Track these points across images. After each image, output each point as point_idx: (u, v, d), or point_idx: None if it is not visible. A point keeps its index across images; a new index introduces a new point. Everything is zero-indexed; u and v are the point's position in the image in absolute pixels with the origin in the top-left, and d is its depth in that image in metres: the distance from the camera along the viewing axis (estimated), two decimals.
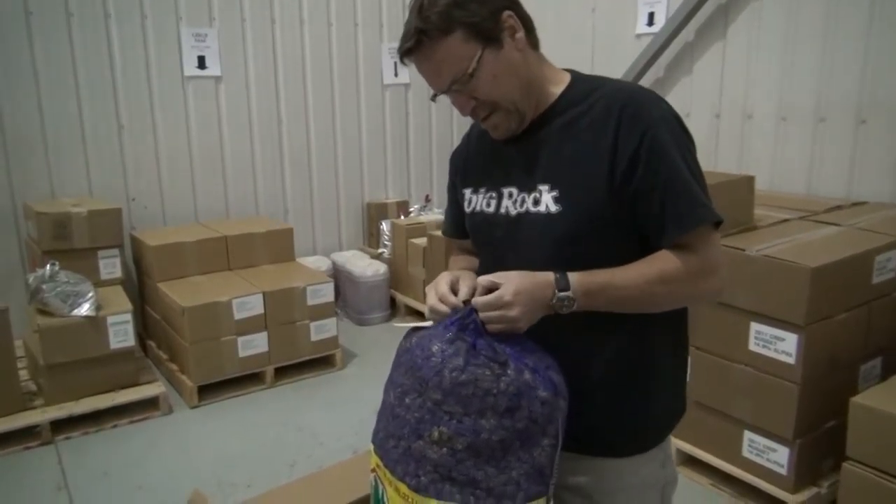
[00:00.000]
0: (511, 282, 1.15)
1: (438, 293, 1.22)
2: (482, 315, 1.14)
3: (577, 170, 1.20)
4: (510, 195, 1.29)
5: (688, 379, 2.75)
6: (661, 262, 1.17)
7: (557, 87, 1.27)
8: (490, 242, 1.34)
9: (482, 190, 1.36)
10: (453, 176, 1.48)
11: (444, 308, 1.19)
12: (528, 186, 1.26)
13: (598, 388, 1.26)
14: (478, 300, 1.15)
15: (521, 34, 1.21)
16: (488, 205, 1.33)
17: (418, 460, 1.11)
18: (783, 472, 2.49)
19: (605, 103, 1.20)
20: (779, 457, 2.50)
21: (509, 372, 1.09)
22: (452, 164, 1.49)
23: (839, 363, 2.52)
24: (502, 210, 1.30)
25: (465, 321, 1.15)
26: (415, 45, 1.17)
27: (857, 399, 2.22)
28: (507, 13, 1.19)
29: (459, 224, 1.46)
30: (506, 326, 1.14)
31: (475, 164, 1.40)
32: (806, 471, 2.50)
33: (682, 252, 1.17)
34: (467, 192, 1.40)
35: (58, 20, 3.95)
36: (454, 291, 1.21)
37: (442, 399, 1.10)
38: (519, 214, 1.26)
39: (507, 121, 1.25)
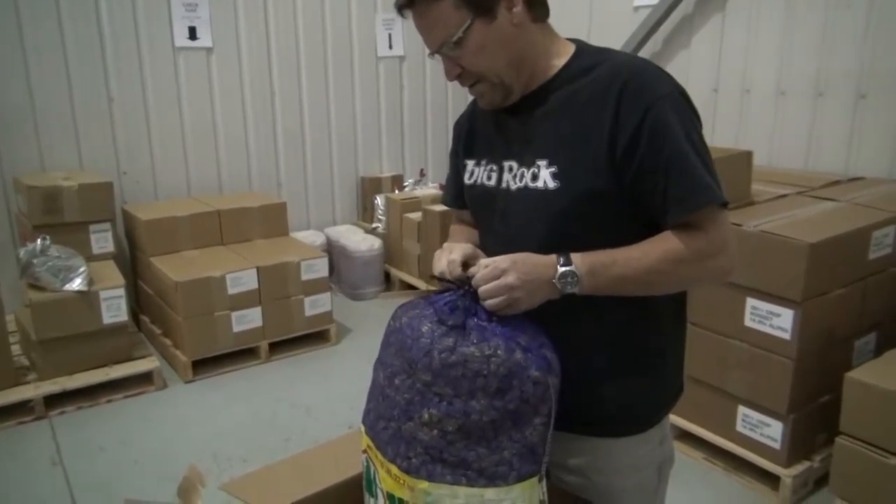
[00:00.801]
0: (511, 255, 1.13)
1: (449, 260, 1.19)
2: (481, 289, 1.12)
3: (576, 146, 1.17)
4: (510, 169, 1.26)
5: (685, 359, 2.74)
6: (666, 243, 1.14)
7: (560, 60, 1.23)
8: (490, 216, 1.31)
9: (483, 162, 1.33)
10: (456, 143, 1.45)
11: (449, 276, 1.17)
12: (527, 161, 1.23)
13: (598, 369, 1.24)
14: (476, 274, 1.13)
15: (518, 8, 1.16)
16: (489, 178, 1.31)
17: (409, 442, 1.10)
18: (776, 446, 2.51)
19: (608, 77, 1.16)
20: (772, 431, 2.51)
21: (499, 352, 1.07)
22: (456, 131, 1.46)
23: (834, 339, 2.53)
24: (503, 184, 1.27)
25: (457, 302, 1.13)
26: (408, 3, 1.15)
27: (851, 374, 2.22)
28: None
29: (460, 195, 1.43)
30: (506, 298, 1.10)
31: (478, 134, 1.37)
32: (799, 445, 2.52)
33: (687, 232, 1.14)
34: (469, 164, 1.37)
35: None
36: (465, 266, 1.19)
37: (432, 381, 1.08)
38: (518, 189, 1.24)
39: (491, 92, 1.22)
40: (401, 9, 1.18)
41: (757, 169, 3.00)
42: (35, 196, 3.55)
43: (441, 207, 4.20)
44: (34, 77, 3.92)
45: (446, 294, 1.18)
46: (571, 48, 1.24)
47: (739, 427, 2.62)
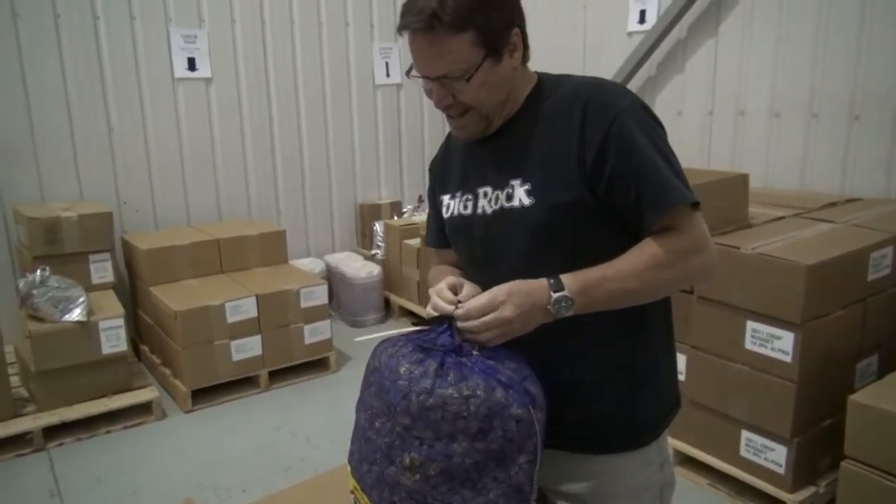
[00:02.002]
0: (504, 286, 1.14)
1: (437, 290, 1.21)
2: (478, 322, 1.12)
3: (547, 162, 1.21)
4: (485, 194, 1.29)
5: (682, 377, 2.73)
6: (649, 248, 1.16)
7: (526, 88, 1.28)
8: (469, 244, 1.34)
9: (458, 194, 1.36)
10: (433, 184, 1.49)
11: (446, 306, 1.17)
12: (500, 184, 1.26)
13: (590, 382, 1.25)
14: (471, 303, 1.14)
15: (518, 53, 1.22)
16: (465, 207, 1.33)
17: (392, 487, 1.09)
18: (781, 471, 2.48)
19: (571, 96, 1.22)
20: (776, 456, 2.49)
21: (479, 392, 1.06)
22: (432, 172, 1.50)
23: (836, 361, 2.52)
24: (479, 210, 1.30)
25: (436, 339, 1.13)
26: (424, 28, 1.14)
27: (854, 397, 2.21)
28: (515, 30, 1.20)
29: (443, 233, 1.45)
30: (502, 330, 1.12)
31: (452, 169, 1.40)
32: (804, 469, 2.49)
33: (667, 234, 1.17)
34: (445, 198, 1.40)
35: (45, 22, 3.91)
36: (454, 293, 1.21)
37: (411, 424, 1.07)
38: (494, 212, 1.27)
39: (474, 124, 1.26)
40: (410, 29, 1.16)
41: (753, 191, 3.01)
42: (35, 227, 3.56)
43: None
44: (35, 108, 3.95)
45: (426, 330, 1.17)
46: (535, 77, 1.30)
47: (743, 452, 2.60)
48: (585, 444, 1.27)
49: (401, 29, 1.18)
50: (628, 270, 1.15)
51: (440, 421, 1.05)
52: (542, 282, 1.15)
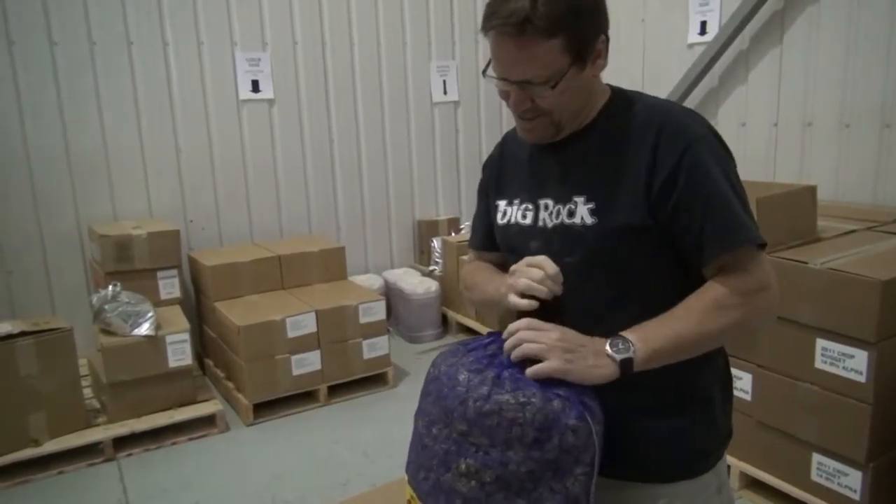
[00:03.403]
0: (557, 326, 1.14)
1: (552, 273, 1.16)
2: (519, 335, 1.11)
3: (613, 183, 1.18)
4: (546, 207, 1.26)
5: (748, 397, 2.63)
6: (712, 290, 1.13)
7: (600, 102, 1.25)
8: (525, 255, 1.28)
9: (516, 201, 1.33)
10: (485, 185, 1.46)
11: (538, 286, 1.14)
12: (563, 198, 1.23)
13: (644, 408, 1.22)
14: (522, 322, 1.13)
15: (602, 61, 1.19)
16: (524, 217, 1.30)
17: (448, 494, 1.08)
18: (856, 496, 2.36)
19: (643, 118, 1.19)
20: (851, 481, 2.37)
21: (534, 400, 1.05)
22: (486, 173, 1.47)
23: None
24: (539, 222, 1.27)
25: (490, 348, 1.13)
26: (515, 30, 1.09)
27: None
28: (602, 37, 1.17)
29: (490, 236, 1.42)
30: (536, 348, 1.09)
31: (510, 174, 1.38)
32: (881, 496, 2.37)
33: (729, 275, 1.13)
34: (501, 204, 1.37)
35: (118, 48, 4.11)
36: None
37: (467, 430, 1.07)
38: (555, 226, 1.24)
39: (546, 129, 1.23)
40: (500, 30, 1.11)
41: (822, 204, 2.90)
42: (107, 245, 3.71)
43: None
44: (108, 130, 4.15)
45: (485, 339, 1.17)
46: (608, 90, 1.27)
47: (814, 476, 2.48)
48: (639, 472, 1.24)
49: (488, 30, 1.13)
50: (689, 314, 1.12)
51: (496, 427, 1.05)
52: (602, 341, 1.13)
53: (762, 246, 1.15)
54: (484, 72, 1.21)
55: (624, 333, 1.11)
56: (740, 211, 1.13)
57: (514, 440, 1.05)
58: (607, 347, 1.10)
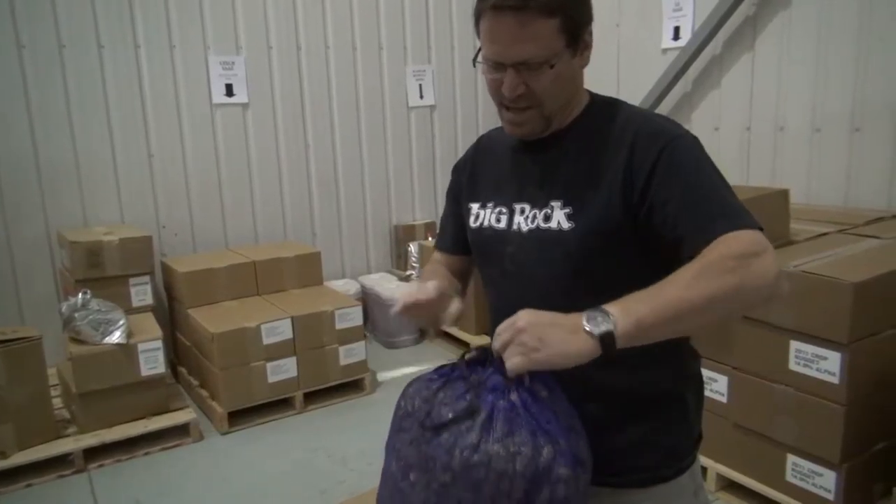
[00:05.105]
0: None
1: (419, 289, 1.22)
2: (498, 343, 1.02)
3: (590, 187, 1.17)
4: (522, 211, 1.25)
5: (723, 399, 2.65)
6: (704, 256, 1.02)
7: (582, 102, 1.26)
8: (500, 259, 1.28)
9: (490, 205, 1.32)
10: (456, 188, 1.44)
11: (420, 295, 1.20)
12: (540, 203, 1.23)
13: (618, 418, 1.22)
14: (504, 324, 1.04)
15: (588, 53, 1.21)
16: (498, 220, 1.29)
17: None
18: (830, 497, 2.38)
19: (622, 123, 1.19)
20: (825, 481, 2.39)
21: (524, 449, 0.98)
22: (455, 175, 1.45)
23: (887, 382, 2.42)
24: (514, 226, 1.26)
25: (479, 377, 1.04)
26: (517, 6, 1.09)
27: None
28: (590, 28, 1.19)
29: (459, 239, 1.41)
30: (522, 352, 0.99)
31: (485, 177, 1.36)
32: (855, 496, 2.39)
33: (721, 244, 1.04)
34: (474, 207, 1.35)
35: (89, 52, 4.04)
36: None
37: (451, 482, 0.99)
38: (530, 230, 1.23)
39: (536, 123, 1.21)
40: (500, 8, 1.10)
41: (794, 207, 2.94)
42: (78, 251, 3.64)
43: None
44: (78, 134, 4.07)
45: (457, 370, 1.08)
46: (587, 94, 1.28)
47: (790, 477, 2.50)
48: (616, 479, 1.23)
49: (489, 7, 1.12)
50: (677, 278, 1.00)
51: (483, 481, 0.97)
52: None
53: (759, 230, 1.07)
54: (474, 60, 1.20)
55: (605, 306, 0.99)
56: (732, 198, 1.09)
57: (501, 496, 0.98)
58: (584, 322, 0.98)
